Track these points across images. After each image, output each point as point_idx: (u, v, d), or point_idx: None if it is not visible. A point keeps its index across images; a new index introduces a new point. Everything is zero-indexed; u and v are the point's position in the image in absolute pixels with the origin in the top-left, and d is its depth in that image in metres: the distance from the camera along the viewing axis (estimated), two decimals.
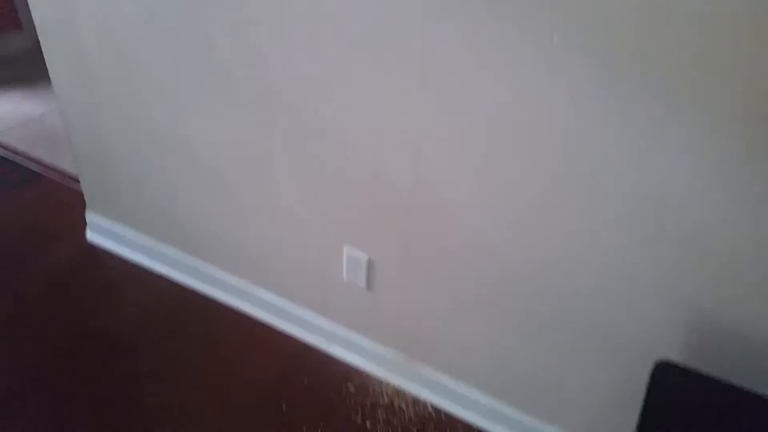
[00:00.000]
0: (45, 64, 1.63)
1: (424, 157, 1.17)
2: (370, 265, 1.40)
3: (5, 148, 2.37)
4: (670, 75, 0.86)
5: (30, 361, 1.57)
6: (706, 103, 0.86)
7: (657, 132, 0.91)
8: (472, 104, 1.05)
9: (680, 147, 0.91)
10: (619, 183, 0.99)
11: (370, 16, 1.06)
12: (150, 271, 1.85)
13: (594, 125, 0.96)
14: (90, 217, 1.93)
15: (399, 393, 1.54)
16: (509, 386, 1.38)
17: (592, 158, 0.99)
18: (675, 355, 1.08)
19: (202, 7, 1.25)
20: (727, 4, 0.78)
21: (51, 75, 1.64)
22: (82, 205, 1.93)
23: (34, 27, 1.57)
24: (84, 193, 1.89)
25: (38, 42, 1.59)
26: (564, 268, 1.13)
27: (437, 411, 1.50)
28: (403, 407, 1.51)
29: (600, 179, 1.00)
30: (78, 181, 1.90)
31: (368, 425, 1.46)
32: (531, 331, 1.25)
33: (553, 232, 1.10)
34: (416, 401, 1.52)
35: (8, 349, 1.60)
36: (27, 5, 1.68)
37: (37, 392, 1.50)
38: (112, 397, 1.50)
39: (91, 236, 1.95)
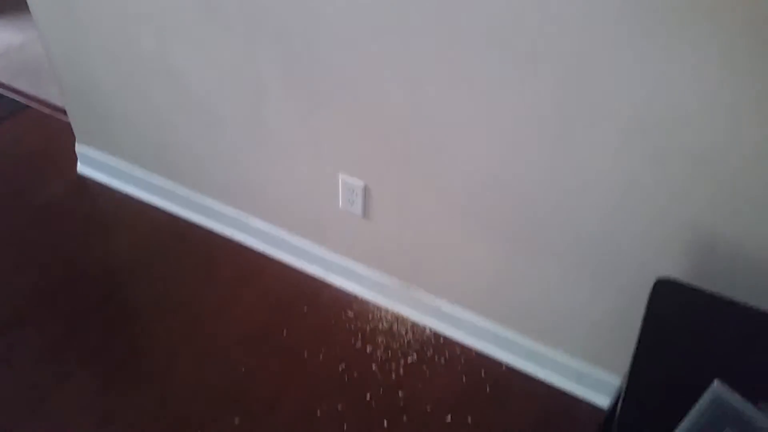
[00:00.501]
0: None
1: (420, 79, 1.12)
2: (367, 193, 1.38)
3: None
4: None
5: (28, 293, 1.57)
6: (710, 14, 0.81)
7: (660, 47, 0.87)
8: (470, 23, 1.00)
9: (683, 61, 0.87)
10: (622, 100, 0.95)
11: None
12: (144, 203, 1.82)
13: (597, 42, 0.91)
14: (80, 149, 1.88)
15: (398, 318, 1.55)
16: (509, 310, 1.39)
17: (596, 75, 0.95)
18: (676, 276, 1.07)
19: None
20: None
21: (29, 2, 1.56)
22: (71, 137, 1.88)
23: None
24: (72, 125, 1.84)
25: None
26: (566, 189, 1.11)
27: (436, 335, 1.52)
28: (403, 332, 1.53)
29: (604, 96, 0.96)
30: (65, 113, 1.84)
31: (368, 350, 1.48)
32: (532, 254, 1.25)
33: (555, 152, 1.07)
34: (415, 326, 1.54)
35: (5, 282, 1.59)
36: None
37: (38, 322, 1.50)
38: (112, 327, 1.51)
39: (82, 169, 1.91)
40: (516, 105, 1.05)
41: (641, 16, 0.86)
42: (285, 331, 1.51)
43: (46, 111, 2.15)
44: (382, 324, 1.54)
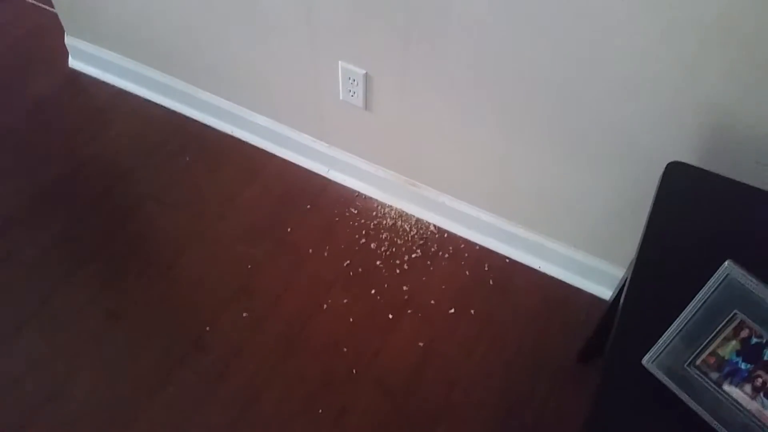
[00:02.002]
0: None
1: None
2: (368, 81, 1.32)
3: None
4: None
5: (26, 190, 1.55)
6: None
7: None
8: None
9: None
10: None
11: None
12: (140, 98, 1.77)
13: None
14: (70, 41, 1.80)
15: (401, 215, 1.54)
16: (513, 203, 1.37)
17: None
18: (687, 159, 1.04)
19: None
20: None
21: None
22: (59, 30, 1.79)
23: None
24: (60, 17, 1.74)
25: None
26: (576, 69, 1.04)
27: (440, 230, 1.51)
28: (406, 228, 1.52)
29: None
30: (51, 4, 1.74)
31: (372, 246, 1.47)
32: (539, 141, 1.20)
33: (566, 28, 1.00)
34: (419, 222, 1.53)
35: (1, 180, 1.57)
36: None
37: (38, 220, 1.50)
38: (113, 223, 1.50)
39: (74, 63, 1.84)
40: None
41: None
42: (289, 228, 1.50)
43: (31, 0, 2.04)
44: (386, 220, 1.53)
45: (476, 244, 1.48)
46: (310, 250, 1.46)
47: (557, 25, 1.00)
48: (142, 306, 1.37)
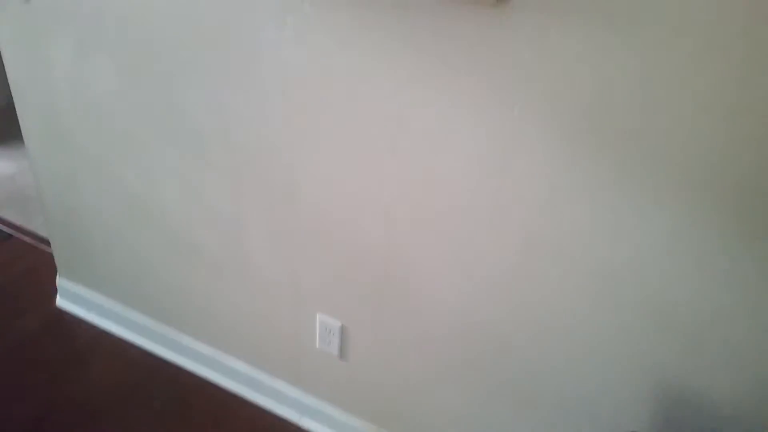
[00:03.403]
0: (18, 122, 1.62)
1: (395, 223, 1.17)
2: (344, 333, 1.39)
3: None
4: (630, 151, 0.88)
5: None
6: (678, 178, 0.88)
7: (625, 204, 0.93)
8: (440, 172, 1.06)
9: (650, 220, 0.92)
10: (588, 253, 0.99)
11: (342, 81, 1.08)
12: (120, 339, 1.81)
13: (559, 196, 0.97)
14: (60, 282, 1.89)
15: None
16: None
17: (560, 228, 1.00)
18: (644, 428, 1.07)
19: (175, 71, 1.26)
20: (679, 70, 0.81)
21: (24, 135, 1.64)
22: (52, 269, 1.90)
23: (8, 84, 1.56)
24: (55, 257, 1.86)
25: (11, 98, 1.58)
26: (535, 338, 1.13)
27: None
28: None
29: (569, 249, 1.01)
30: (49, 244, 1.87)
31: None
32: (504, 403, 1.24)
33: (524, 300, 1.10)
34: None
35: None
36: (1, 61, 1.68)
37: None
38: None
39: (61, 302, 1.91)
40: (485, 251, 1.09)
41: (602, 172, 0.93)
42: None
43: (30, 241, 2.17)
44: None
45: None
46: None
47: (516, 297, 1.10)
48: None
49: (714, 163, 0.83)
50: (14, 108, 1.60)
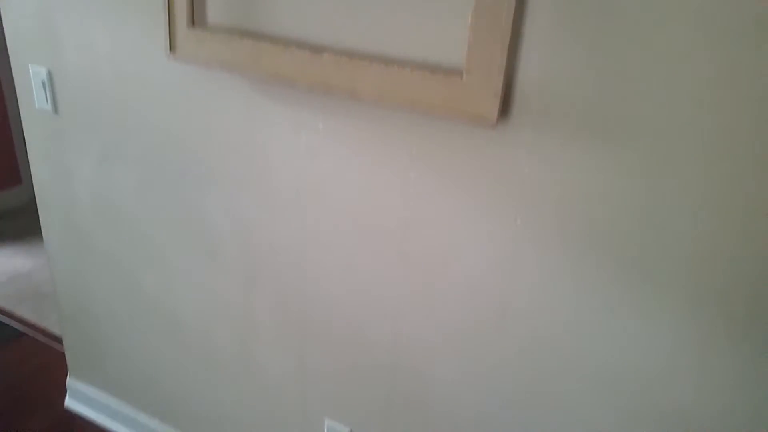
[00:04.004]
0: (38, 219, 1.68)
1: (402, 328, 1.19)
2: None
3: None
4: (633, 262, 0.92)
5: None
6: (682, 287, 0.90)
7: (628, 311, 0.95)
8: (445, 279, 1.09)
9: (654, 325, 0.94)
10: (594, 361, 1.00)
11: (352, 190, 1.13)
12: None
13: (562, 303, 1.00)
14: (71, 382, 1.89)
15: None
16: None
17: (565, 336, 1.01)
18: None
19: (193, 179, 1.33)
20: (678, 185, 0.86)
21: (44, 233, 1.69)
22: (63, 369, 1.90)
23: (31, 182, 1.63)
24: (67, 357, 1.87)
25: (33, 196, 1.65)
26: None
27: None
28: None
29: (575, 357, 1.02)
30: (62, 343, 1.88)
31: None
32: None
33: (529, 407, 1.10)
34: None
35: None
36: (26, 160, 1.77)
37: None
38: None
39: (70, 402, 1.90)
40: (491, 359, 1.10)
41: (605, 282, 0.95)
42: None
43: (43, 339, 2.19)
44: None
45: None
46: None
47: (521, 401, 1.10)
48: None
49: (719, 275, 0.86)
50: (35, 205, 1.67)
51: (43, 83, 1.41)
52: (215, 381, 1.54)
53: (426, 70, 0.92)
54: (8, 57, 1.53)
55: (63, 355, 1.89)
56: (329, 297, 1.26)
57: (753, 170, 0.79)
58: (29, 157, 1.61)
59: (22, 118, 1.54)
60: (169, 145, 1.32)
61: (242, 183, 1.26)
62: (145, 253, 1.50)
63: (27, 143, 1.59)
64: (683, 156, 0.83)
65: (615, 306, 0.95)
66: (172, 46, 1.11)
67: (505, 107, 0.91)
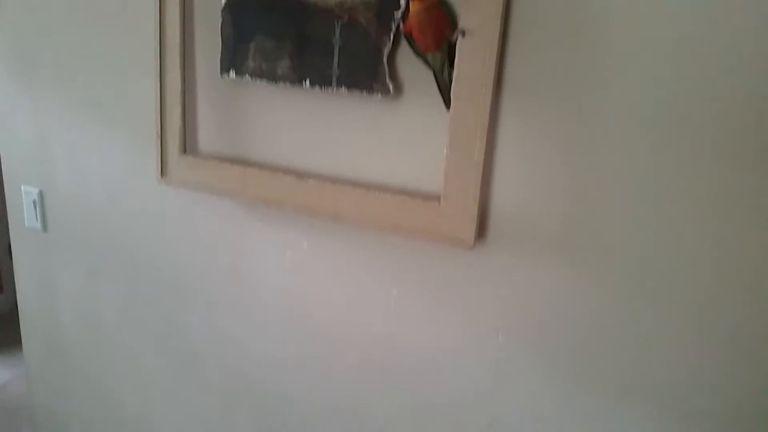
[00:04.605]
0: (18, 329, 1.66)
1: None
2: None
3: None
4: (614, 379, 0.93)
5: None
6: (667, 411, 0.91)
7: (615, 426, 0.95)
8: (429, 395, 1.09)
9: None
10: None
11: (336, 307, 1.14)
12: None
13: (546, 419, 0.99)
14: None
15: None
16: None
17: None
18: None
19: (179, 297, 1.33)
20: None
21: (24, 347, 1.67)
22: None
23: (14, 291, 1.63)
24: None
25: (16, 306, 1.64)
26: None
27: None
28: None
29: None
30: None
31: None
32: None
33: None
34: None
35: None
36: (9, 269, 1.78)
37: None
38: None
39: None
40: None
41: (591, 401, 0.96)
42: None
43: None
44: None
45: None
46: None
47: None
48: None
49: (703, 399, 0.88)
50: (17, 315, 1.66)
51: (34, 203, 1.44)
52: None
53: (405, 195, 0.97)
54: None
55: None
56: (311, 416, 1.24)
57: (732, 297, 0.83)
58: (15, 271, 1.62)
59: (10, 235, 1.57)
60: (156, 263, 1.34)
61: (227, 301, 1.27)
62: (128, 372, 1.48)
63: (13, 258, 1.60)
64: (657, 280, 0.87)
65: (600, 428, 0.95)
66: (163, 172, 1.16)
67: (482, 230, 0.96)
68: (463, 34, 0.84)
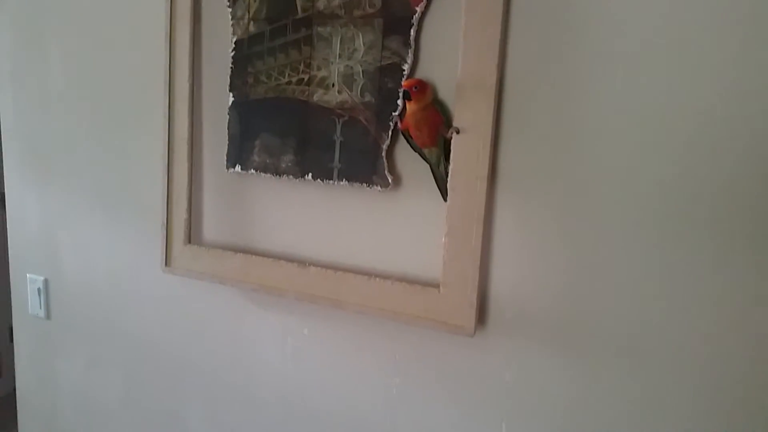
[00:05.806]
0: (15, 414, 1.63)
1: None
2: None
3: None
4: None
5: None
6: None
7: None
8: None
9: None
10: None
11: (337, 391, 1.13)
12: None
13: None
14: None
15: None
16: None
17: None
18: None
19: (178, 383, 1.32)
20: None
21: (20, 431, 1.63)
22: None
23: (13, 375, 1.61)
24: None
25: (14, 390, 1.61)
26: None
27: None
28: None
29: None
30: None
31: None
32: None
33: None
34: None
35: None
36: (11, 352, 1.76)
37: None
38: None
39: None
40: None
41: None
42: None
43: None
44: None
45: None
46: None
47: None
48: None
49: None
50: (14, 399, 1.63)
51: (39, 290, 1.46)
52: None
53: (405, 282, 0.99)
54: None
55: None
56: None
57: (732, 387, 0.84)
58: (15, 357, 1.61)
59: (13, 321, 1.57)
60: (157, 352, 1.34)
61: (227, 391, 1.26)
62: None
63: (15, 344, 1.60)
64: (657, 369, 0.87)
65: None
66: (167, 261, 1.18)
67: (482, 317, 0.97)
68: (458, 131, 0.89)
